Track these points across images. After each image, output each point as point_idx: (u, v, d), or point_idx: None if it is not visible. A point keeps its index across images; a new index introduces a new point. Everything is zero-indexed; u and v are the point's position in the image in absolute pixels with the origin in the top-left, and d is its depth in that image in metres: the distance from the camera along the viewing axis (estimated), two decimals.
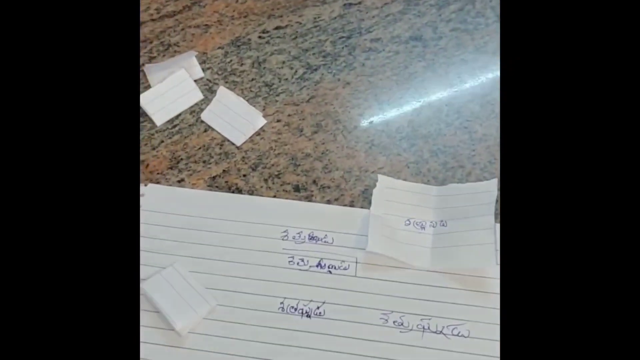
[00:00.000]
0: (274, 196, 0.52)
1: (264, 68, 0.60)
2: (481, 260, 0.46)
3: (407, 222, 0.50)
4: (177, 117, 0.57)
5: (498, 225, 0.48)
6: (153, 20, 0.63)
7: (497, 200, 0.50)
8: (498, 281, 0.46)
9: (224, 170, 0.54)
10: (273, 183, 0.53)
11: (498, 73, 0.59)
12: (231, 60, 0.61)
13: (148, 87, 0.58)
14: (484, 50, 0.60)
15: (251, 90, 0.59)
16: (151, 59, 0.60)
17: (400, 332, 0.45)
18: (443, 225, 0.49)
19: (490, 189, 0.50)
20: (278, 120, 0.57)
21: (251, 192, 0.52)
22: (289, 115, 0.57)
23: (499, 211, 0.49)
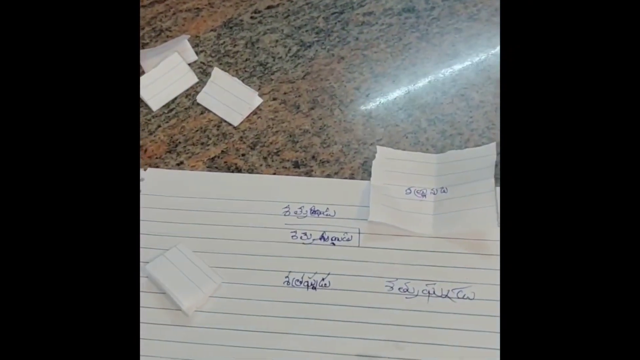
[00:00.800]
0: (274, 173, 0.52)
1: (258, 48, 0.60)
2: (483, 223, 0.46)
3: (408, 190, 0.50)
4: (172, 101, 0.57)
5: (498, 189, 0.48)
6: (144, 6, 0.63)
7: (496, 165, 0.50)
8: (497, 243, 0.46)
9: (222, 151, 0.54)
10: (272, 161, 0.53)
11: (492, 40, 0.58)
12: (224, 42, 0.61)
13: (142, 73, 0.58)
14: (477, 18, 0.60)
15: (246, 71, 0.59)
16: (144, 45, 0.60)
17: (406, 298, 0.45)
18: (444, 191, 0.49)
19: (489, 153, 0.50)
20: (274, 99, 0.57)
21: (251, 171, 0.52)
22: (285, 93, 0.57)
23: (499, 175, 0.49)
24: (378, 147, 0.52)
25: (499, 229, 0.46)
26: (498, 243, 0.46)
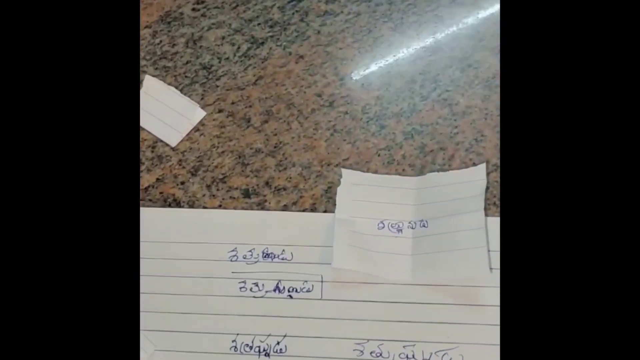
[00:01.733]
0: (220, 206, 0.43)
1: (201, 47, 0.50)
2: (472, 267, 0.38)
3: (381, 225, 0.41)
4: None
5: (495, 220, 0.39)
6: None
7: (487, 190, 0.41)
8: (495, 291, 0.38)
9: (157, 179, 0.45)
10: (217, 189, 0.44)
11: (479, 29, 0.49)
12: (161, 41, 0.51)
13: None
14: (461, 2, 0.50)
15: (186, 76, 0.49)
16: None
17: None
18: (424, 225, 0.40)
19: (477, 177, 0.41)
20: (220, 111, 0.47)
21: (191, 204, 0.43)
22: (233, 102, 0.47)
23: (497, 201, 0.41)
24: (343, 170, 0.43)
25: (492, 273, 0.38)
26: (494, 291, 0.38)
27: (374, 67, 0.48)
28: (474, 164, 0.42)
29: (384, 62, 0.48)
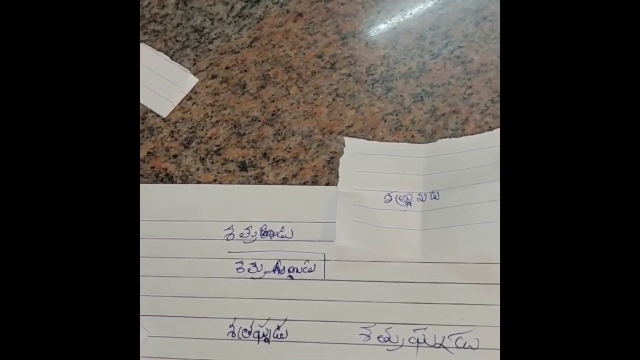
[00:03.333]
0: (214, 180, 0.40)
1: (192, 8, 0.46)
2: (488, 243, 0.34)
3: (388, 197, 0.38)
4: None
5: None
6: None
7: None
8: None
9: (148, 153, 0.42)
10: (212, 162, 0.41)
11: None
12: (149, 3, 0.47)
13: None
14: None
15: (177, 40, 0.45)
16: None
17: (388, 350, 0.34)
18: (435, 197, 0.37)
19: (493, 143, 0.37)
20: (213, 77, 0.44)
21: (185, 178, 0.40)
22: (227, 67, 0.44)
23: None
24: (346, 138, 0.40)
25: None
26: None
27: (379, 24, 0.44)
28: (490, 128, 0.39)
29: (390, 18, 0.44)
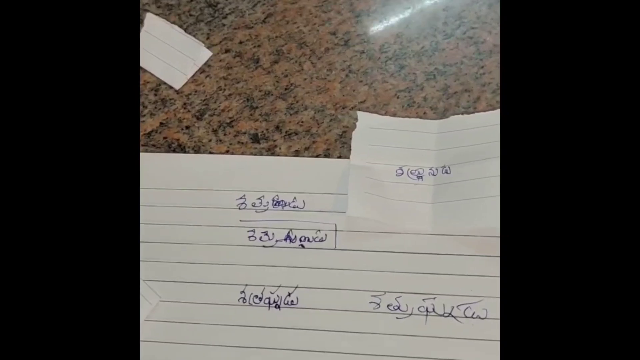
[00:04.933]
0: (227, 151, 0.40)
1: None
2: (497, 216, 0.35)
3: (400, 171, 0.38)
4: None
5: None
6: None
7: None
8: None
9: (161, 123, 0.42)
10: (225, 134, 0.41)
11: None
12: None
13: None
14: None
15: (191, 14, 0.46)
16: None
17: (397, 318, 0.35)
18: (446, 172, 0.37)
19: (496, 121, 0.38)
20: (227, 51, 0.44)
21: (197, 149, 0.41)
22: (241, 42, 0.44)
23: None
24: (359, 112, 0.40)
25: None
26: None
27: (393, 3, 0.44)
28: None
29: None
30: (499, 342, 0.33)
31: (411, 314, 0.35)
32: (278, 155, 0.40)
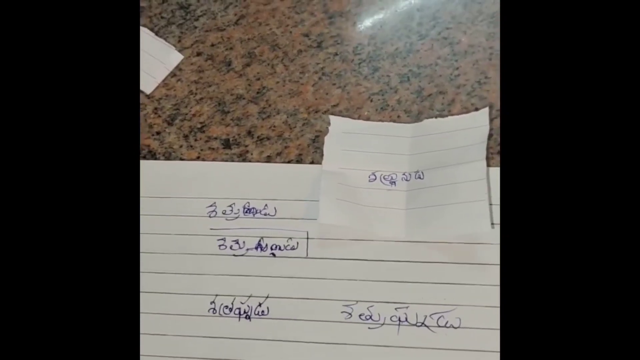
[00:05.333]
0: (198, 157, 0.40)
1: None
2: (471, 222, 0.34)
3: (372, 176, 0.37)
4: None
5: (496, 170, 0.36)
6: None
7: (490, 138, 0.37)
8: (496, 248, 0.34)
9: None
10: (196, 139, 0.40)
11: None
12: None
13: None
14: None
15: (162, 17, 0.45)
16: None
17: (370, 328, 0.34)
18: (419, 177, 0.37)
19: (479, 123, 0.37)
20: (198, 54, 0.43)
21: (168, 155, 0.40)
22: (213, 45, 0.43)
23: (498, 152, 0.37)
24: (331, 117, 0.39)
25: (494, 229, 0.34)
26: (495, 248, 0.34)
27: (366, 4, 0.43)
28: (477, 109, 0.38)
29: None
30: (473, 352, 0.33)
31: (383, 324, 0.34)
32: (250, 161, 0.39)
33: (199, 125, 0.41)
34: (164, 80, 0.42)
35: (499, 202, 0.34)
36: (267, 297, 0.35)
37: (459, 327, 0.33)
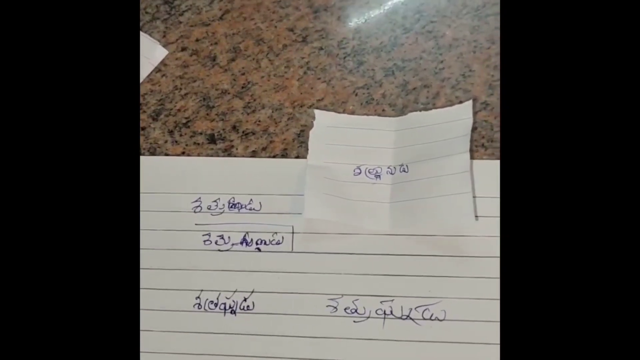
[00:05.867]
0: (183, 152, 0.39)
1: None
2: (456, 215, 0.34)
3: (357, 170, 0.37)
4: None
5: (496, 163, 0.36)
6: None
7: (474, 130, 0.37)
8: (481, 240, 0.34)
9: None
10: (180, 135, 0.40)
11: None
12: None
13: None
14: None
15: (146, 12, 0.44)
16: None
17: (355, 321, 0.34)
18: (404, 170, 0.37)
19: (463, 116, 0.37)
20: (183, 49, 0.43)
21: (153, 151, 0.40)
22: (197, 40, 0.43)
23: (486, 143, 0.37)
24: (316, 111, 0.39)
25: (478, 221, 0.34)
26: (479, 240, 0.34)
27: None
28: (461, 102, 0.39)
29: None
30: (457, 344, 0.33)
31: (369, 317, 0.34)
32: (235, 156, 0.39)
33: (183, 121, 0.40)
34: (148, 76, 0.42)
35: (498, 195, 0.34)
36: (253, 292, 0.35)
37: (444, 320, 0.33)
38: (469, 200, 0.34)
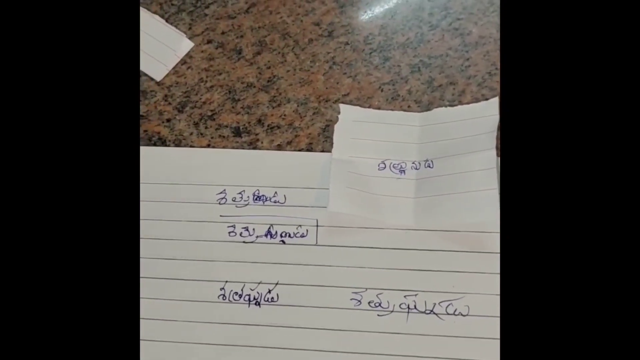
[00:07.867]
0: (208, 145, 0.40)
1: None
2: (481, 211, 0.34)
3: (382, 165, 0.37)
4: None
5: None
6: None
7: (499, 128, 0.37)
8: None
9: (141, 116, 0.41)
10: (206, 127, 0.40)
11: None
12: None
13: None
14: None
15: (172, 4, 0.45)
16: None
17: (379, 315, 0.34)
18: (429, 166, 0.37)
19: (490, 113, 0.37)
20: (209, 42, 0.43)
21: (178, 142, 0.40)
22: (223, 32, 0.43)
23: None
24: (342, 105, 0.39)
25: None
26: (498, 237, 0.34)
27: None
28: (487, 100, 0.39)
29: None
30: (481, 339, 0.33)
31: (392, 311, 0.34)
32: (260, 149, 0.39)
33: (209, 113, 0.41)
34: (174, 68, 0.42)
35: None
36: (277, 284, 0.35)
37: (467, 315, 0.34)
38: (495, 196, 0.34)
